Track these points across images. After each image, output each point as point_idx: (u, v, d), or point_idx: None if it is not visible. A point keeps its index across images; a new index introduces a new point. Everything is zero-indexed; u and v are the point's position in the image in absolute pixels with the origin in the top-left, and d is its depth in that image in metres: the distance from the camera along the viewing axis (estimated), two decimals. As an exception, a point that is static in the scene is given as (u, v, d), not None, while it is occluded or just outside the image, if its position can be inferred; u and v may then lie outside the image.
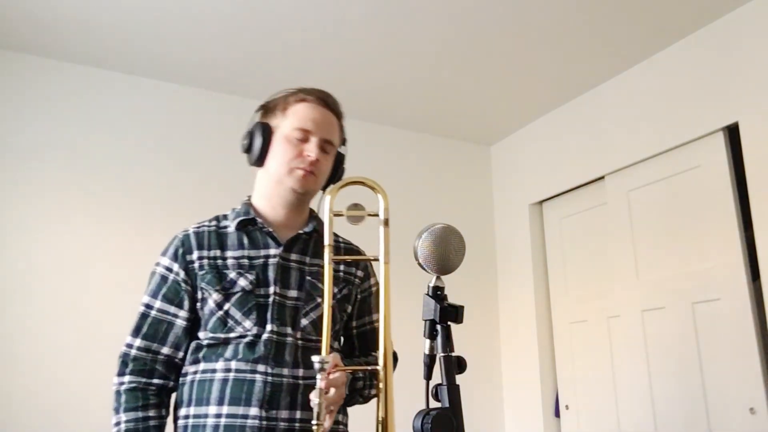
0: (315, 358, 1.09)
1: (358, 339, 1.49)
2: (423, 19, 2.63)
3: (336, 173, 1.46)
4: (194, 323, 1.35)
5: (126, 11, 2.54)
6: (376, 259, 1.23)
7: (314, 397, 1.12)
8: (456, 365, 0.97)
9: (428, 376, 1.01)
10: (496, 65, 3.00)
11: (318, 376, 1.10)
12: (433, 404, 0.95)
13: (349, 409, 1.42)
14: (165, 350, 1.32)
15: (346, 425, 1.40)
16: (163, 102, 3.07)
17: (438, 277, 1.02)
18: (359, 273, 1.48)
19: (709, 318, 2.55)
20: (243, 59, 2.89)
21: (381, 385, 1.13)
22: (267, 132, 1.39)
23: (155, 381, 1.31)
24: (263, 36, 2.71)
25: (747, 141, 2.48)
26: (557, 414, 3.28)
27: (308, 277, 1.37)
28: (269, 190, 1.41)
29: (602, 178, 3.15)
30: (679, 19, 2.64)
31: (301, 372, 1.29)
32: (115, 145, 2.92)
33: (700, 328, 2.58)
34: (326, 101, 1.43)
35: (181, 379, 1.34)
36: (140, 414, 1.27)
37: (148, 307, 1.35)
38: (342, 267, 1.44)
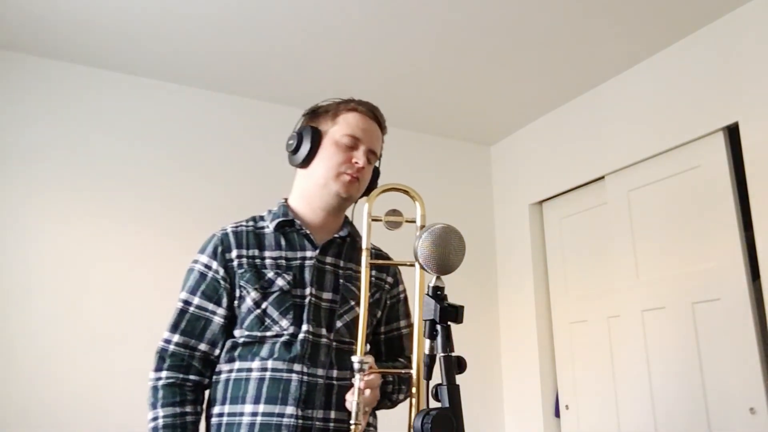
0: (355, 358, 1.12)
1: (386, 345, 1.51)
2: (423, 19, 2.62)
3: (372, 184, 1.50)
4: (231, 321, 1.36)
5: (125, 11, 2.54)
6: (413, 264, 1.23)
7: (351, 397, 1.15)
8: (456, 365, 0.97)
9: (428, 376, 1.01)
10: (497, 65, 3.00)
11: (357, 376, 1.12)
12: (433, 404, 0.95)
13: (378, 413, 1.44)
14: (202, 347, 1.33)
15: (376, 428, 1.43)
16: (163, 102, 3.07)
17: (438, 277, 1.02)
18: (389, 279, 1.51)
19: (709, 318, 2.55)
20: (243, 59, 2.89)
21: (414, 390, 1.15)
22: (317, 135, 1.42)
23: (192, 377, 1.32)
24: (263, 36, 2.71)
25: (747, 141, 2.48)
26: (557, 414, 3.28)
27: (342, 281, 1.40)
28: (311, 192, 1.43)
29: (602, 178, 3.15)
30: (679, 19, 2.64)
31: (335, 373, 1.31)
32: (115, 145, 2.92)
33: (700, 328, 2.58)
34: (375, 114, 1.48)
35: (215, 377, 1.35)
36: (177, 410, 1.28)
37: (187, 303, 1.35)
38: (373, 272, 1.47)
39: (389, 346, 1.52)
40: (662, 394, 2.70)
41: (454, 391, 0.94)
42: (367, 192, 1.48)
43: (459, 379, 0.96)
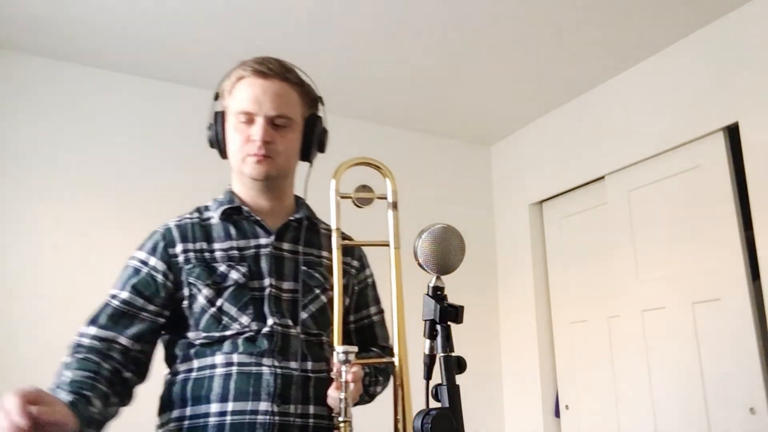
0: (339, 348, 1.02)
1: (357, 334, 1.38)
2: (423, 19, 2.62)
3: (310, 143, 1.32)
4: (172, 323, 1.22)
5: (126, 11, 2.53)
6: (387, 245, 1.17)
7: (335, 392, 1.06)
8: (456, 365, 0.97)
9: (428, 376, 1.01)
10: (497, 65, 3.00)
11: (343, 369, 1.02)
12: (433, 404, 0.95)
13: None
14: (122, 340, 1.16)
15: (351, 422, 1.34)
16: (164, 102, 3.07)
17: (438, 277, 1.02)
18: (355, 263, 1.37)
19: (709, 318, 2.55)
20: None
21: (398, 381, 1.07)
22: (221, 120, 1.29)
23: (107, 366, 1.13)
24: (262, 36, 2.71)
25: (747, 141, 2.48)
26: (557, 414, 3.28)
27: (303, 267, 1.27)
28: (238, 180, 1.32)
29: (602, 178, 3.15)
30: (679, 19, 2.64)
31: (310, 365, 1.19)
32: (114, 145, 2.92)
33: (700, 328, 2.58)
34: (265, 71, 1.25)
35: (168, 377, 1.21)
36: (90, 374, 1.09)
37: (113, 297, 1.20)
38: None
39: (361, 336, 1.38)
40: (662, 394, 2.70)
41: (454, 391, 0.94)
42: (312, 151, 1.33)
43: (459, 379, 0.96)
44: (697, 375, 2.56)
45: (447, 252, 1.00)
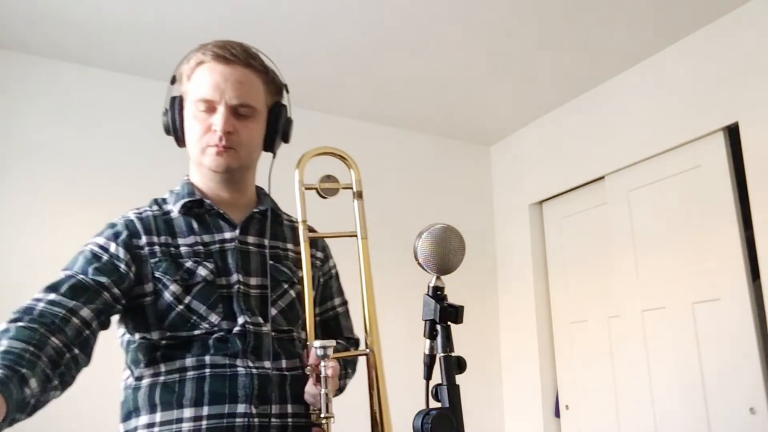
0: (316, 343, 1.00)
1: (322, 326, 1.34)
2: (423, 19, 2.63)
3: (274, 133, 1.24)
4: (129, 319, 1.14)
5: (126, 11, 2.54)
6: (354, 235, 1.15)
7: (314, 389, 1.03)
8: (456, 365, 0.97)
9: (428, 376, 1.01)
10: (496, 65, 3.00)
11: (321, 364, 1.00)
12: (433, 404, 0.95)
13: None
14: (85, 312, 1.02)
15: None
16: (161, 101, 3.07)
17: (438, 277, 1.02)
18: (319, 254, 1.33)
19: (709, 318, 2.55)
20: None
21: (372, 372, 1.06)
22: (179, 106, 1.21)
23: (55, 341, 0.97)
24: (261, 36, 2.71)
25: (747, 141, 2.48)
26: (557, 414, 3.28)
27: (272, 261, 1.21)
28: (197, 171, 1.24)
29: (602, 178, 3.15)
30: (679, 19, 2.64)
31: (284, 363, 1.15)
32: (114, 145, 2.92)
33: (700, 328, 2.58)
34: (227, 56, 1.15)
35: (134, 382, 1.12)
36: (31, 348, 0.92)
37: (71, 276, 1.07)
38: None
39: (326, 328, 1.34)
40: (662, 394, 2.70)
41: (454, 391, 0.94)
42: (275, 141, 1.25)
43: (459, 379, 0.96)
44: (697, 375, 2.56)
45: (447, 252, 1.00)
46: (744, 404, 2.37)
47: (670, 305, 2.72)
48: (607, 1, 2.51)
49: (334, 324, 1.35)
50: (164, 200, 1.25)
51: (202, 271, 1.14)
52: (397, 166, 3.60)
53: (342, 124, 3.47)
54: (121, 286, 1.09)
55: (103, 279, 1.07)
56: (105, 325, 1.08)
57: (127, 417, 1.11)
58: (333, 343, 1.01)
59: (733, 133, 2.59)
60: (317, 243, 1.32)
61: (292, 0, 2.49)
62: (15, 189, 2.69)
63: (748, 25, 2.53)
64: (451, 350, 0.97)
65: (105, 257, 1.11)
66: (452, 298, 1.01)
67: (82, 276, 1.07)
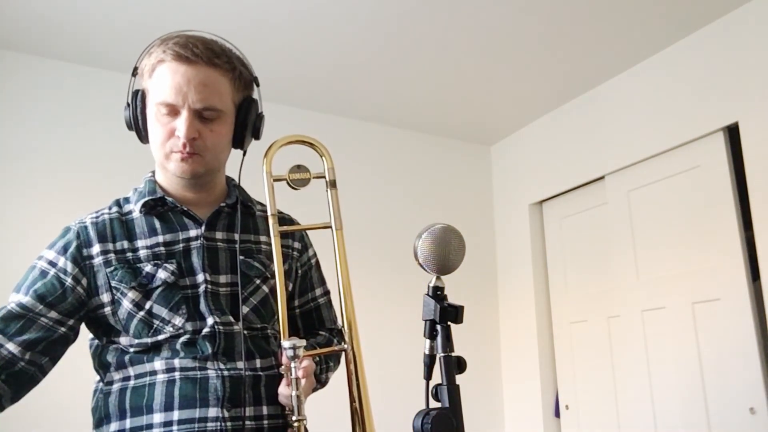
0: (286, 343, 0.97)
1: (302, 319, 1.30)
2: (423, 19, 2.63)
3: (243, 132, 1.18)
4: (73, 333, 1.12)
5: (125, 11, 2.53)
6: (328, 227, 1.12)
7: (287, 390, 1.00)
8: (456, 365, 0.97)
9: (428, 376, 1.01)
10: (497, 65, 3.00)
11: (292, 365, 0.97)
12: (433, 404, 0.95)
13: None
14: (10, 346, 1.03)
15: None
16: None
17: (438, 277, 1.02)
18: (296, 245, 1.28)
19: (709, 318, 2.55)
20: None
21: (351, 367, 1.04)
22: (141, 102, 1.14)
23: (5, 349, 1.02)
24: (260, 36, 2.71)
25: (747, 141, 2.48)
26: (557, 414, 3.28)
27: (242, 257, 1.16)
28: (161, 170, 1.18)
29: (602, 178, 3.15)
30: (679, 19, 2.64)
31: (258, 363, 1.12)
32: (114, 145, 2.92)
33: (700, 328, 2.58)
34: (189, 56, 1.08)
35: (104, 387, 1.11)
36: None
37: (11, 301, 1.08)
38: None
39: (307, 320, 1.30)
40: (662, 394, 2.70)
41: (454, 391, 0.94)
42: (245, 139, 1.19)
43: (459, 379, 0.96)
44: (697, 375, 2.56)
45: (447, 252, 1.00)
46: (744, 404, 2.37)
47: (670, 305, 2.72)
48: (607, 1, 2.51)
49: (315, 315, 1.32)
50: (127, 200, 1.20)
51: (162, 274, 1.10)
52: (397, 166, 3.60)
53: (342, 124, 3.47)
54: (61, 307, 1.07)
55: (37, 306, 1.06)
56: (48, 353, 1.08)
57: (98, 424, 1.10)
58: (303, 342, 0.99)
59: (733, 133, 2.59)
60: (294, 233, 1.28)
61: (291, 2, 2.49)
62: (12, 190, 2.68)
63: (748, 25, 2.53)
64: (451, 350, 0.97)
65: (51, 273, 1.10)
66: (452, 298, 1.01)
67: (13, 306, 1.06)
